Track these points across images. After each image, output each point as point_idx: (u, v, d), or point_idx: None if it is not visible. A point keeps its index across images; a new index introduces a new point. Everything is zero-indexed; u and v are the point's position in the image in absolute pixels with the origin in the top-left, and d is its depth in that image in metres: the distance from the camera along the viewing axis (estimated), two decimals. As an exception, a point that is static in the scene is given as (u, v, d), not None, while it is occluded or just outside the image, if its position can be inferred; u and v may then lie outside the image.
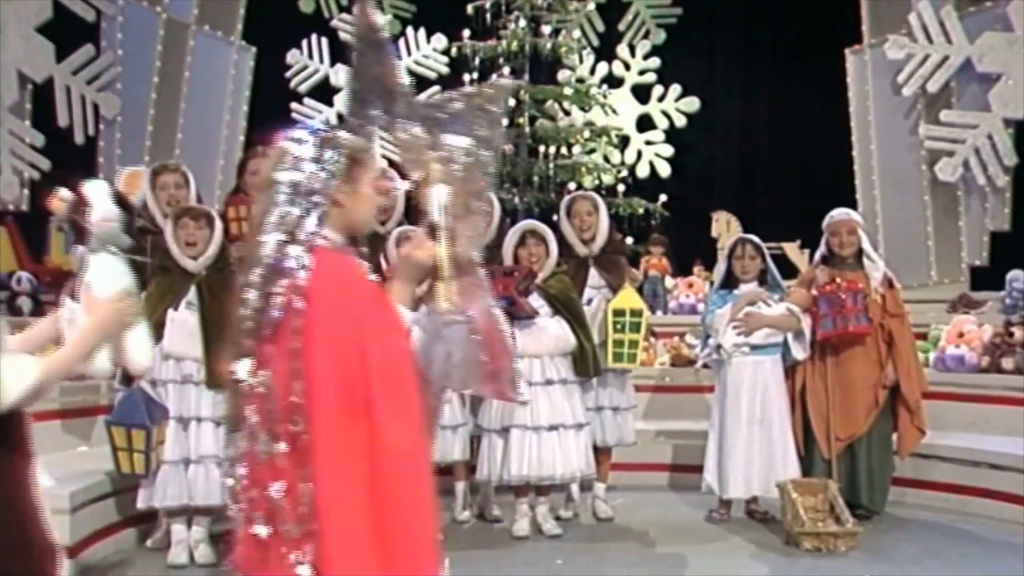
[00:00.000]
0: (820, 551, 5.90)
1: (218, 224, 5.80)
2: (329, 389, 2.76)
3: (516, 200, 10.69)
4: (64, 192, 4.16)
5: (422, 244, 3.03)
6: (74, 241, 3.50)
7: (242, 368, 2.83)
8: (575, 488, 6.63)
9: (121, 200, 3.71)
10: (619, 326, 6.30)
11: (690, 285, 10.16)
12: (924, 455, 7.01)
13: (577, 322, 6.22)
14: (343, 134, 3.02)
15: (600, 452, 6.46)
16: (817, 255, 6.93)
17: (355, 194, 2.98)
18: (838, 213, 6.83)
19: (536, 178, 11.13)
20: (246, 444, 2.82)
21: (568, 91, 11.71)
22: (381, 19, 3.43)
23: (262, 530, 2.79)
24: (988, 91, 10.10)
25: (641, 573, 5.61)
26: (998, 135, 10.03)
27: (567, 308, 6.22)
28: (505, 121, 10.75)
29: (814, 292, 6.51)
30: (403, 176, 3.36)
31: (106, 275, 3.47)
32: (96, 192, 3.73)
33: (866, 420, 6.58)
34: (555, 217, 7.40)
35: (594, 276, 6.57)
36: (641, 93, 12.82)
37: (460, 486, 6.65)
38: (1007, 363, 7.55)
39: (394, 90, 3.28)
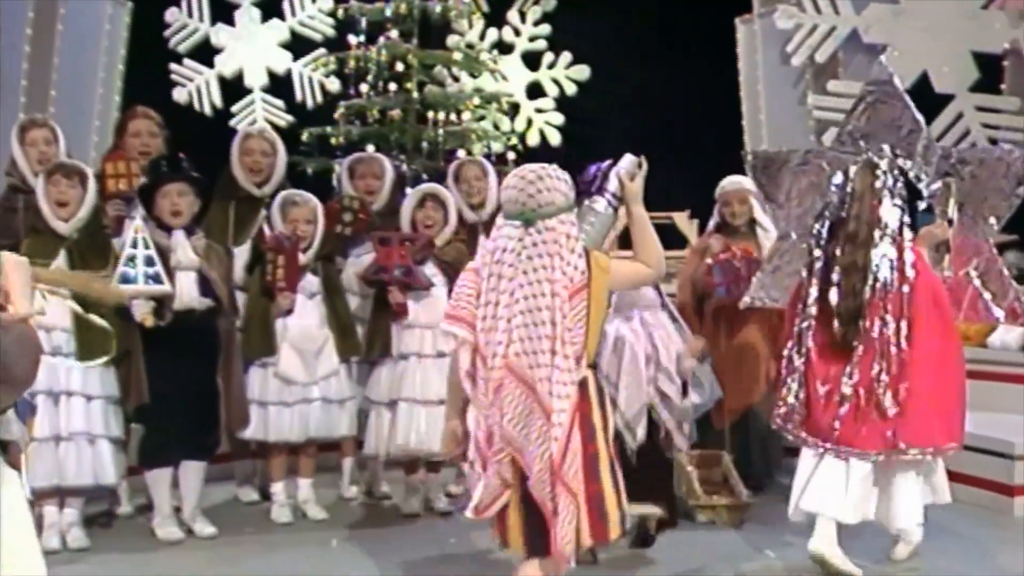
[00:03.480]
0: (714, 523, 5.86)
1: (91, 184, 5.47)
2: (932, 322, 4.80)
3: (404, 167, 10.47)
4: None
5: (943, 227, 5.18)
6: None
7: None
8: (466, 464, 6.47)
9: None
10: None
11: (580, 254, 10.06)
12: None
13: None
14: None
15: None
16: (710, 224, 6.86)
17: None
18: (729, 182, 6.74)
19: (425, 144, 10.94)
20: (861, 366, 4.77)
21: (457, 56, 11.53)
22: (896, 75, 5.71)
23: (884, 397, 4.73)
24: (874, 61, 10.16)
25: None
26: (884, 106, 10.12)
27: (461, 276, 6.05)
28: (394, 86, 10.66)
29: (709, 260, 6.44)
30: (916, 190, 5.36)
31: None
32: None
33: (759, 391, 6.51)
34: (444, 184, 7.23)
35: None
36: (531, 60, 12.68)
37: (347, 462, 6.47)
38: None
39: (912, 134, 5.35)
